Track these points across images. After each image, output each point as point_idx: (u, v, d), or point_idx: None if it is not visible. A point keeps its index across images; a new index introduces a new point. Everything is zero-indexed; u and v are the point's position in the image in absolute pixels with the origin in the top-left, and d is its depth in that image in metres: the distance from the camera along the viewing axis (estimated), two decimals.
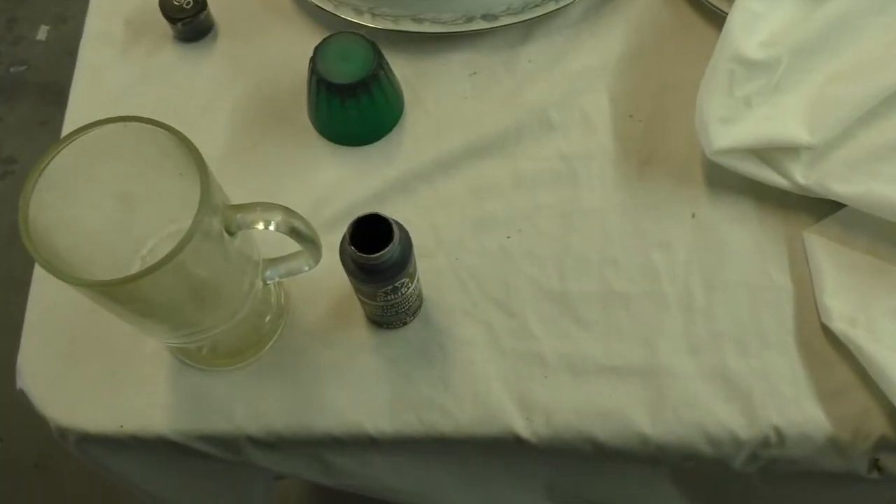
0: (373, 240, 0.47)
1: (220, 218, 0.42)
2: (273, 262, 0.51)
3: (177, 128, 0.42)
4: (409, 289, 0.52)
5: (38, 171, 0.40)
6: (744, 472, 0.57)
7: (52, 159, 0.41)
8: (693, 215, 0.60)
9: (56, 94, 1.55)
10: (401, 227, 0.48)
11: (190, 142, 0.41)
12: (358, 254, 0.46)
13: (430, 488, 0.64)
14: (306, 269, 0.50)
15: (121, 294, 0.40)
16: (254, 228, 0.43)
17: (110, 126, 0.42)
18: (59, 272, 0.39)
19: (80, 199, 0.45)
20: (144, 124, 0.42)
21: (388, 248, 0.46)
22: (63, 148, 0.41)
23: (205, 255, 0.42)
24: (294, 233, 0.44)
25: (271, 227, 0.43)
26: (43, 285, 0.59)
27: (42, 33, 1.61)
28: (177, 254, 0.39)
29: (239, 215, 0.43)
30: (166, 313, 0.45)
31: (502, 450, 0.56)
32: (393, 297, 0.51)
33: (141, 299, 0.42)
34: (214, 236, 0.41)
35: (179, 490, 0.67)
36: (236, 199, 0.47)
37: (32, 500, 1.22)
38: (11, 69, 1.58)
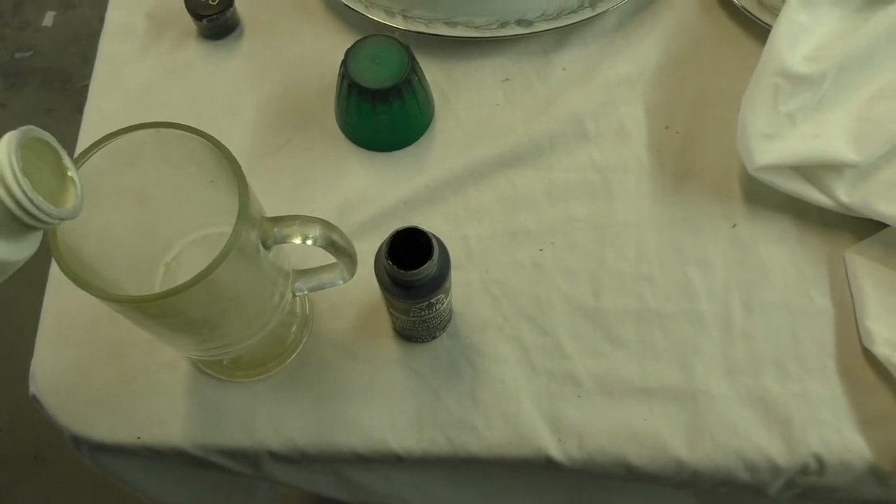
0: (410, 253, 0.45)
1: (258, 232, 0.40)
2: (304, 273, 0.49)
3: (198, 127, 0.40)
4: (443, 304, 0.50)
5: None
6: (778, 498, 0.55)
7: (80, 166, 0.39)
8: (734, 225, 0.58)
9: (62, 81, 1.52)
10: (440, 241, 0.46)
11: (229, 153, 0.39)
12: (395, 269, 0.44)
13: (449, 503, 0.62)
14: (340, 282, 0.48)
15: (153, 309, 0.39)
16: (290, 243, 0.42)
17: (141, 132, 0.40)
18: (89, 286, 0.37)
19: (106, 204, 0.43)
20: (178, 130, 0.40)
21: (426, 265, 0.44)
22: (92, 155, 0.39)
23: (240, 269, 0.40)
24: (332, 247, 0.43)
25: (309, 242, 0.41)
26: (58, 289, 0.57)
27: (48, 19, 1.59)
28: (214, 269, 0.37)
29: (276, 229, 0.41)
30: (197, 327, 0.43)
31: (530, 468, 0.55)
32: (427, 312, 0.49)
33: (172, 314, 0.40)
34: (250, 250, 0.40)
35: (190, 497, 0.65)
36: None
37: (31, 492, 1.20)
38: (17, 55, 1.55)
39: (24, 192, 0.30)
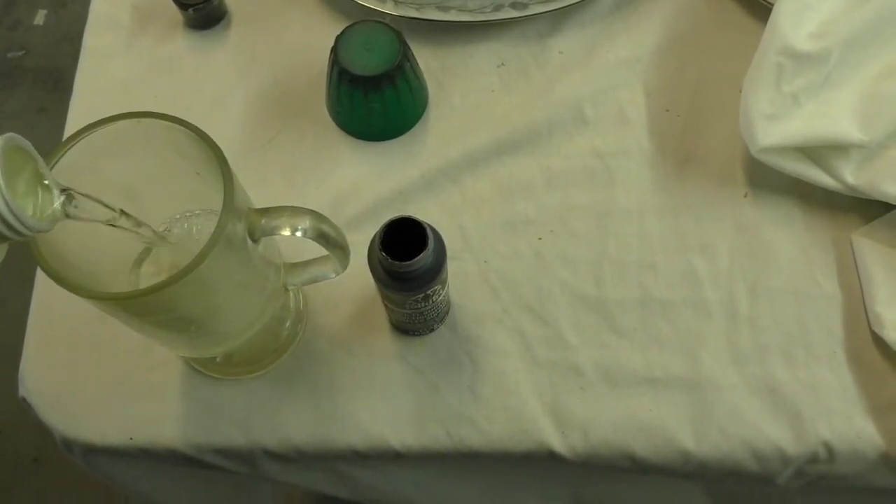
0: (404, 244, 0.43)
1: (244, 224, 0.38)
2: (296, 266, 0.47)
3: (186, 120, 0.38)
4: (440, 296, 0.48)
5: None
6: (787, 487, 0.54)
7: (58, 160, 0.37)
8: (745, 195, 0.57)
9: (54, 81, 1.51)
10: (435, 231, 0.45)
11: (213, 141, 0.37)
12: (389, 260, 0.43)
13: (451, 499, 0.61)
14: (333, 276, 0.46)
15: (137, 306, 0.37)
16: (280, 235, 0.40)
17: (122, 123, 0.39)
18: (70, 283, 0.35)
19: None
20: (160, 120, 0.39)
21: (421, 255, 0.43)
22: (70, 147, 0.38)
23: (227, 263, 0.38)
24: (323, 238, 0.41)
25: (298, 234, 0.40)
26: (46, 288, 0.56)
27: (40, 18, 1.57)
28: (199, 263, 0.35)
29: (264, 221, 0.39)
30: (185, 324, 0.42)
31: (533, 462, 0.53)
32: (423, 304, 0.48)
33: (158, 311, 0.38)
34: (238, 243, 0.38)
35: (189, 496, 0.64)
36: (251, 197, 0.43)
37: (31, 495, 1.19)
38: (9, 54, 1.53)
39: (6, 203, 0.30)
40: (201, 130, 0.38)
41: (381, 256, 0.43)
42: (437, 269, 0.45)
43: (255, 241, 0.40)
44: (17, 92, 1.50)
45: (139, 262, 0.47)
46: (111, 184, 0.43)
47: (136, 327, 0.41)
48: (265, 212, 0.40)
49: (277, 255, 0.47)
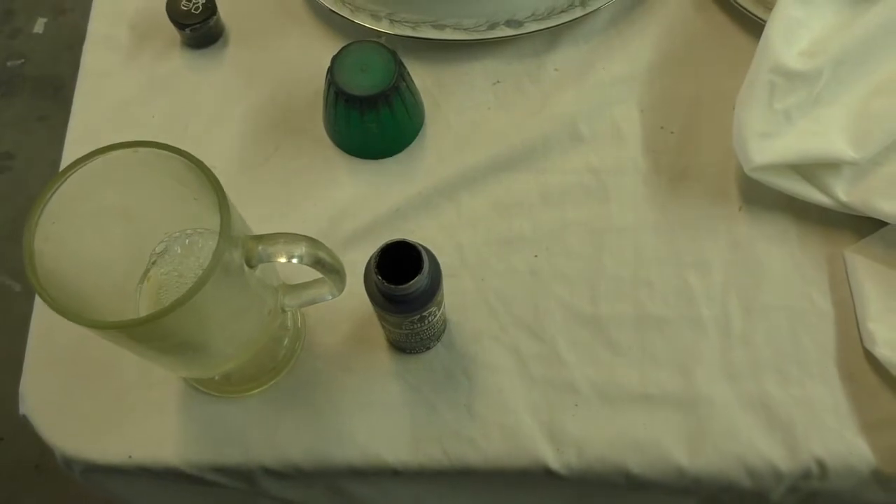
0: (400, 266, 0.44)
1: (241, 251, 0.39)
2: (293, 288, 0.48)
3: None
4: (436, 317, 0.49)
5: (41, 205, 0.37)
6: (781, 503, 0.54)
7: (54, 192, 0.38)
8: (739, 208, 0.58)
9: (54, 89, 1.51)
10: (430, 253, 0.45)
11: (210, 172, 0.38)
12: (385, 284, 0.43)
13: None
14: (330, 297, 0.47)
15: (134, 334, 0.38)
16: (275, 261, 0.41)
17: (118, 152, 0.39)
18: (67, 311, 0.36)
19: (87, 225, 0.42)
20: (157, 150, 0.39)
21: (416, 279, 0.43)
22: (66, 179, 0.38)
23: (225, 290, 0.39)
24: (319, 265, 0.41)
25: (294, 261, 0.40)
26: (45, 306, 0.56)
27: (39, 26, 1.58)
28: (196, 292, 0.36)
29: (260, 248, 0.40)
30: (182, 349, 0.42)
31: (529, 479, 0.54)
32: (420, 325, 0.48)
33: (156, 338, 0.39)
34: (234, 270, 0.39)
35: None
36: (248, 216, 0.44)
37: (33, 501, 1.19)
38: (8, 63, 1.54)
39: None
40: (198, 160, 0.38)
41: (377, 280, 0.43)
42: (432, 291, 0.46)
43: (252, 267, 0.40)
44: (17, 100, 1.51)
45: (140, 283, 0.47)
46: (109, 209, 0.43)
47: (134, 351, 0.42)
48: (261, 238, 0.40)
49: (275, 277, 0.47)
